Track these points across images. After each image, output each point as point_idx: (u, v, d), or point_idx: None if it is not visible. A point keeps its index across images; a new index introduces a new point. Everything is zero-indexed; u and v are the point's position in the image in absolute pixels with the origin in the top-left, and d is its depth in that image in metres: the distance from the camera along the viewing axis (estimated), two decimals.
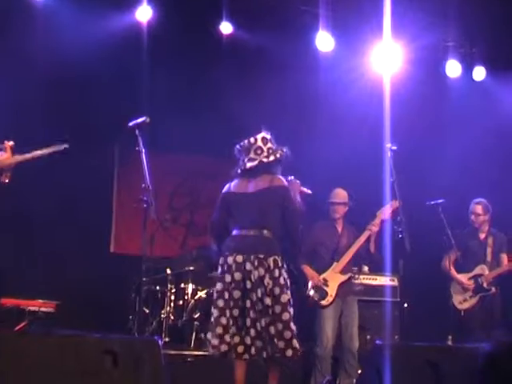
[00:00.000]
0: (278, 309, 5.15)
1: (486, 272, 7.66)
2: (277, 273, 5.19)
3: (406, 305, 7.39)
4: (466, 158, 9.02)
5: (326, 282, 6.85)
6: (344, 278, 6.89)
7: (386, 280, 7.98)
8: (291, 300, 5.30)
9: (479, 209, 7.79)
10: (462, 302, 7.67)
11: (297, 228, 5.46)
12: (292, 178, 5.66)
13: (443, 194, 7.57)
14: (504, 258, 7.76)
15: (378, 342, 6.19)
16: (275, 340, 5.12)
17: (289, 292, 5.31)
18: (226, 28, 8.65)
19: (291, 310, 5.26)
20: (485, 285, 7.62)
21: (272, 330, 5.11)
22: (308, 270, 6.92)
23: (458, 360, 4.99)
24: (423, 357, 4.96)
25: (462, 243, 7.67)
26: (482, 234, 7.85)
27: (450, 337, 7.28)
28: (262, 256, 5.22)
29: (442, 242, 7.54)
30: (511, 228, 7.87)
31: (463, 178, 8.87)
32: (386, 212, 6.85)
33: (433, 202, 7.47)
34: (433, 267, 7.94)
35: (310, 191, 5.88)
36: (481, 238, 7.84)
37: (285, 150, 5.54)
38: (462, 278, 7.71)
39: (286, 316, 5.13)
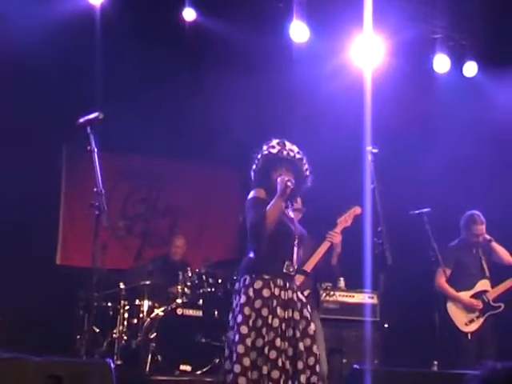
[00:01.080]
0: (234, 329, 5.23)
1: (489, 288, 7.74)
2: (242, 291, 5.31)
3: (386, 325, 7.42)
4: (455, 162, 9.07)
5: None
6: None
7: (364, 297, 7.97)
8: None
9: (484, 229, 7.84)
10: (468, 323, 7.66)
11: (251, 243, 5.48)
12: (281, 177, 5.60)
13: (429, 202, 7.60)
14: (496, 246, 7.81)
15: (355, 366, 6.22)
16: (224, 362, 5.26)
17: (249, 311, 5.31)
18: (188, 14, 8.60)
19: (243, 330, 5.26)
20: (491, 302, 7.68)
21: (226, 352, 5.21)
22: None
23: None
24: (405, 383, 5.01)
25: (455, 258, 7.71)
26: (474, 249, 7.94)
27: (435, 362, 7.26)
28: (238, 278, 5.45)
29: (427, 255, 7.58)
30: (505, 233, 7.94)
31: (452, 184, 8.93)
32: (347, 219, 6.80)
33: (417, 211, 7.42)
34: (416, 283, 7.98)
35: (290, 183, 5.74)
36: (473, 252, 7.92)
37: (265, 150, 5.62)
38: (464, 296, 7.75)
39: (236, 337, 5.17)
